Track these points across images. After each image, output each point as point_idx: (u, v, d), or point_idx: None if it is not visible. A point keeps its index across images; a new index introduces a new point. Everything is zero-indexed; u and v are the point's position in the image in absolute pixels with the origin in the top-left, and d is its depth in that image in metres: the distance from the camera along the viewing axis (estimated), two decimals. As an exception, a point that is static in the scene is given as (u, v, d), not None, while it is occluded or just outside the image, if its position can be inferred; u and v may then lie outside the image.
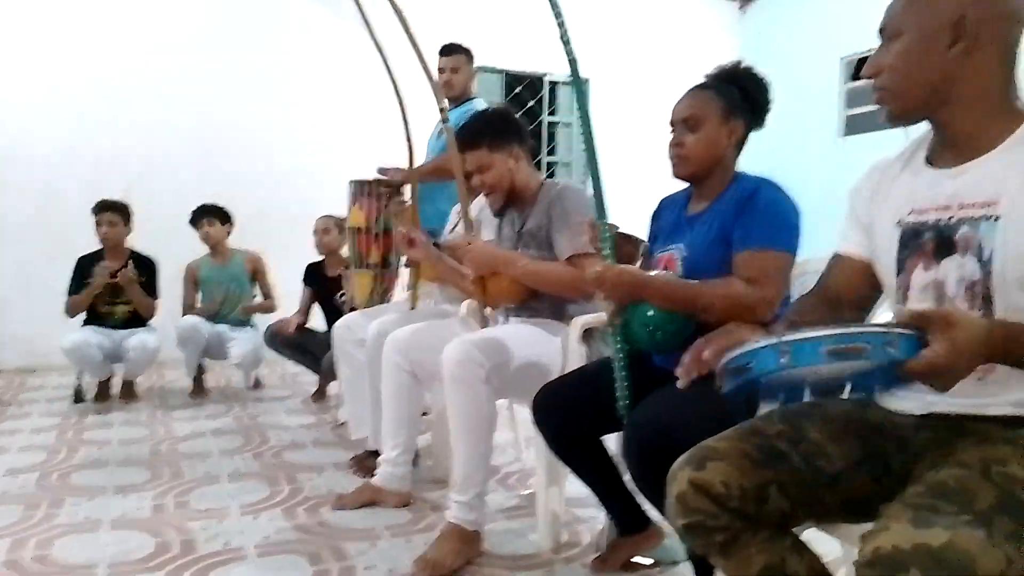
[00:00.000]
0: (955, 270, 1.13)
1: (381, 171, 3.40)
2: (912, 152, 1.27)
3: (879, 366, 1.01)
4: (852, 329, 0.97)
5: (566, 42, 1.78)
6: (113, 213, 4.15)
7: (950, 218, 1.14)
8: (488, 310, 2.56)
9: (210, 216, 4.43)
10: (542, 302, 2.30)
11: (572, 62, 1.79)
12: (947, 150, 1.19)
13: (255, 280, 4.56)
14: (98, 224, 4.14)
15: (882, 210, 1.26)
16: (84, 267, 4.13)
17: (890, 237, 1.23)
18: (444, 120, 2.63)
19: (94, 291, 4.07)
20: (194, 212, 4.46)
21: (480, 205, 2.95)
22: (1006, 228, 1.07)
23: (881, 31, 1.20)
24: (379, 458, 2.57)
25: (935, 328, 0.95)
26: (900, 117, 1.21)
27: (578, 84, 1.83)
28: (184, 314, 4.38)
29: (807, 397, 1.12)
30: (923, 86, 1.15)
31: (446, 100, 2.69)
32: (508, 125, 2.37)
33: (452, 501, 2.12)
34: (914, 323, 0.97)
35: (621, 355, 1.77)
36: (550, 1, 1.79)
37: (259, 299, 4.59)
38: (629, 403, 1.75)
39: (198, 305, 4.46)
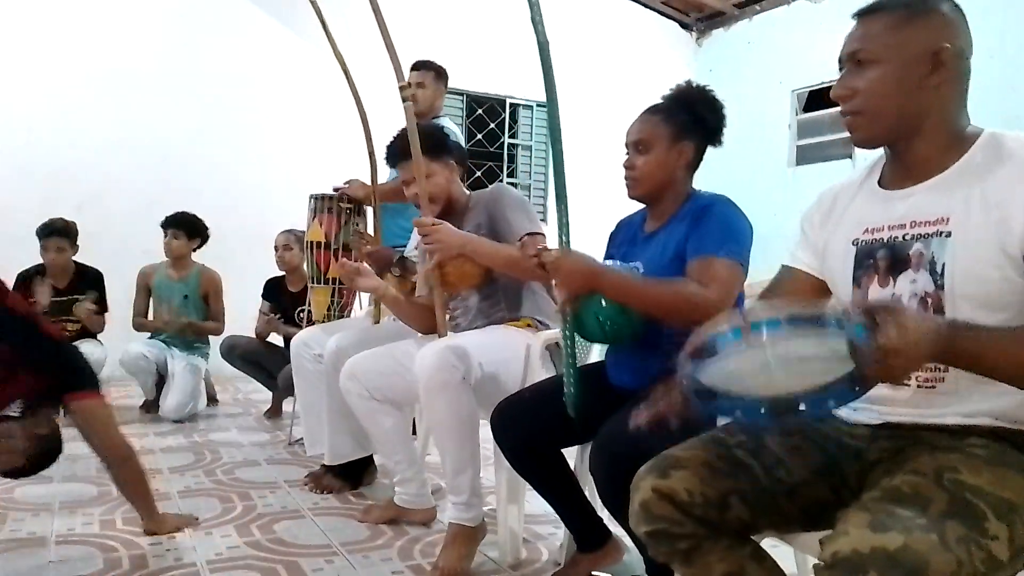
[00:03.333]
0: (908, 285, 1.18)
1: (337, 189, 3.38)
2: (865, 177, 1.33)
3: (834, 384, 1.05)
4: (808, 308, 1.03)
5: (543, 45, 1.79)
6: (60, 238, 4.02)
7: (904, 236, 1.20)
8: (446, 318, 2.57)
9: (176, 228, 4.29)
10: (498, 302, 2.34)
11: (542, 44, 1.79)
12: (900, 174, 1.24)
13: (206, 300, 4.39)
14: (45, 249, 4.01)
15: (836, 232, 1.31)
16: (24, 284, 4.00)
17: (845, 255, 1.28)
18: (404, 100, 2.46)
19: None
20: (167, 218, 4.33)
21: (415, 242, 2.95)
22: (956, 244, 1.13)
23: (849, 56, 1.23)
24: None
25: (882, 314, 0.98)
26: (870, 141, 1.25)
27: (551, 88, 1.82)
28: (135, 320, 4.29)
29: (763, 414, 1.13)
30: (899, 113, 1.19)
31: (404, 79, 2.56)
32: (444, 139, 2.42)
33: (449, 503, 2.14)
34: (862, 314, 1.00)
35: (570, 344, 1.79)
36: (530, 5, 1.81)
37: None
38: (575, 393, 1.78)
39: (150, 315, 4.35)
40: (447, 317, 2.44)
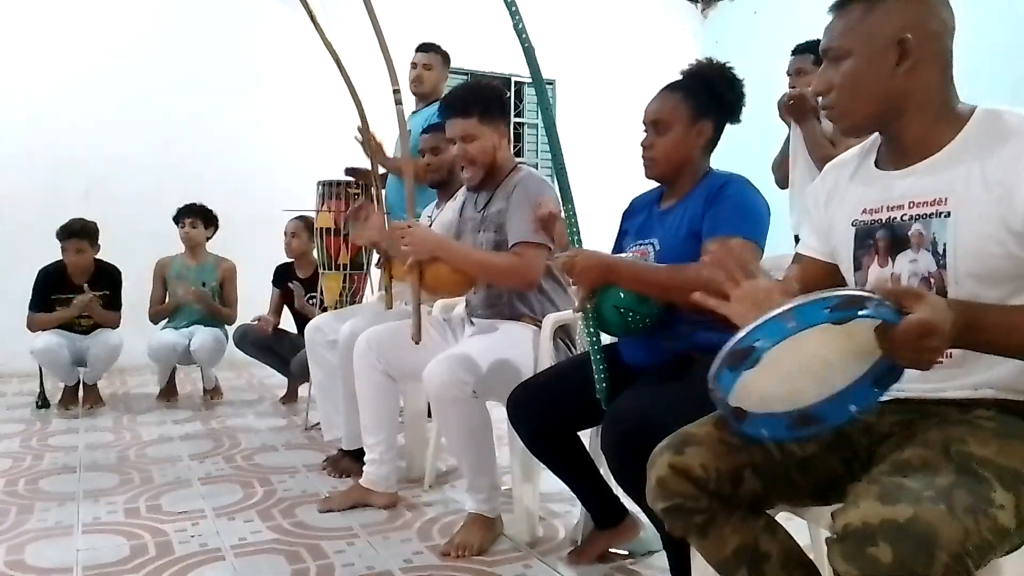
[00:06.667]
0: (908, 265, 1.20)
1: (349, 171, 3.41)
2: (862, 157, 1.34)
3: (853, 387, 1.10)
4: (847, 291, 1.01)
5: (520, 31, 1.79)
6: (80, 239, 4.01)
7: (902, 216, 1.21)
8: (455, 311, 2.59)
9: (194, 217, 4.36)
10: (500, 299, 2.33)
11: (528, 50, 1.80)
12: (896, 154, 1.25)
13: (222, 287, 4.43)
14: (64, 250, 4.01)
15: (838, 212, 1.33)
16: (46, 281, 4.04)
17: (846, 236, 1.30)
18: (397, 102, 2.54)
19: (64, 318, 4.00)
20: (179, 210, 4.38)
21: (432, 207, 2.99)
22: (957, 223, 1.14)
23: (825, 52, 1.26)
24: (364, 458, 2.55)
25: (910, 297, 0.99)
26: (852, 130, 1.28)
27: (536, 76, 1.83)
28: (151, 309, 4.33)
29: (786, 429, 1.15)
30: (874, 102, 1.21)
31: (399, 84, 2.56)
32: (501, 102, 2.33)
33: (469, 497, 2.19)
34: (889, 298, 1.02)
35: (595, 339, 1.81)
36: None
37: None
38: (606, 388, 1.79)
39: (166, 302, 4.39)
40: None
